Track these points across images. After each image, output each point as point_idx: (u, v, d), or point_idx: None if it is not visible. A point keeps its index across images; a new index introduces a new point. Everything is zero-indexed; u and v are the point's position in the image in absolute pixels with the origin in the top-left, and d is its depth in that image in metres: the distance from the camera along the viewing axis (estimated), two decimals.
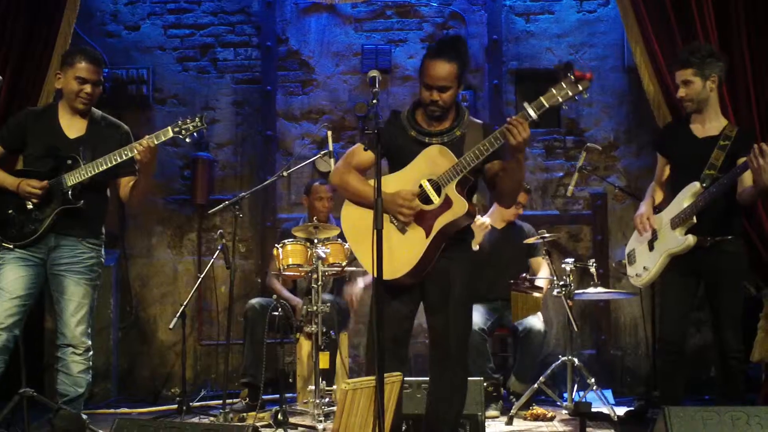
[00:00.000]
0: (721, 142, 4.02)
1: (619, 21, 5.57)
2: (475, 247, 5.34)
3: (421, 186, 3.35)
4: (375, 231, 2.94)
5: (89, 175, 3.95)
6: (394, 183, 3.39)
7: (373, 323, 3.30)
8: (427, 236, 3.30)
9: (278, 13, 6.60)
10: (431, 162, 3.35)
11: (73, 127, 4.09)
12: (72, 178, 3.95)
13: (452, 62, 3.32)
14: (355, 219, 3.47)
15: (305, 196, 5.71)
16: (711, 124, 4.11)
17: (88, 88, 4.02)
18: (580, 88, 3.16)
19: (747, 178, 3.93)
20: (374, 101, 3.13)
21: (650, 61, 5.09)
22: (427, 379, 3.57)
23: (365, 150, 3.22)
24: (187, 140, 4.03)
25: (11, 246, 3.95)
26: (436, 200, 3.32)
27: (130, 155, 3.93)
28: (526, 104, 3.20)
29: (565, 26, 6.48)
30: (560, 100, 3.18)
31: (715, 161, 4.00)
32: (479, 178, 3.47)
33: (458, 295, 3.39)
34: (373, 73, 3.24)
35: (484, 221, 5.28)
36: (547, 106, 3.19)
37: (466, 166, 3.28)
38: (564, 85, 3.18)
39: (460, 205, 3.30)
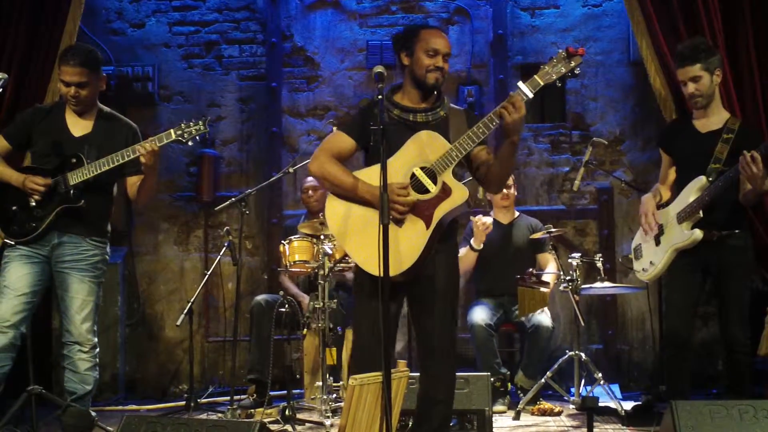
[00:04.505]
0: (725, 135, 4.01)
1: (625, 15, 5.57)
2: (478, 246, 5.34)
3: (413, 175, 3.20)
4: (381, 227, 2.88)
5: (92, 174, 3.92)
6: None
7: (360, 324, 3.29)
8: (427, 227, 3.14)
9: (283, 10, 6.59)
10: (420, 148, 3.20)
11: (78, 125, 4.06)
12: (74, 177, 3.93)
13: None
14: (342, 213, 3.25)
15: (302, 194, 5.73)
16: (714, 118, 4.11)
17: (71, 90, 3.94)
18: (573, 63, 3.14)
19: None
20: (379, 96, 3.13)
21: (656, 54, 5.07)
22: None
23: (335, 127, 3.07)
24: (190, 143, 4.02)
25: (13, 242, 3.95)
26: (433, 189, 3.17)
27: (132, 156, 3.89)
28: (520, 84, 3.15)
29: (571, 20, 6.45)
30: (554, 77, 3.15)
31: (719, 155, 3.99)
32: None
33: (442, 288, 3.26)
34: (379, 68, 3.18)
35: (486, 221, 5.26)
36: (542, 83, 3.15)
37: (463, 151, 3.17)
38: (556, 62, 3.15)
39: (460, 193, 3.16)
